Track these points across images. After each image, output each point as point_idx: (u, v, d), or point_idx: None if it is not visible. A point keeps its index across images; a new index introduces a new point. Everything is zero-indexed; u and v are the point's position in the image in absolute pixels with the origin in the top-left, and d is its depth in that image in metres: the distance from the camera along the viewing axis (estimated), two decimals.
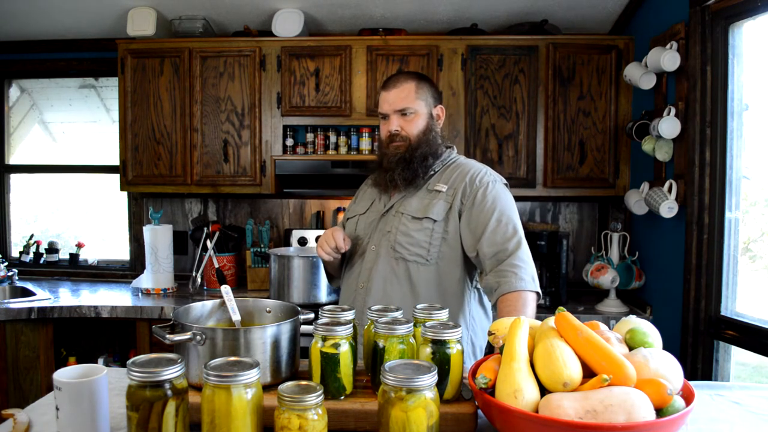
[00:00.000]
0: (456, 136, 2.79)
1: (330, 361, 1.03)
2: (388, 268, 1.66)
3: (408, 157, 1.68)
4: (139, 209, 3.30)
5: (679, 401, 0.90)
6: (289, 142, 2.93)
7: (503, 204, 1.63)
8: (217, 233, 2.98)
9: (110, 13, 2.96)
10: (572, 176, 2.80)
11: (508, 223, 1.60)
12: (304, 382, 0.90)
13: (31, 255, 3.37)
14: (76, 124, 3.52)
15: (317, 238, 3.03)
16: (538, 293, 1.54)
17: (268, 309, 1.31)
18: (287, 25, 2.86)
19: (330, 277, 1.95)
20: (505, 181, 1.74)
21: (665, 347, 1.01)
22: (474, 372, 1.01)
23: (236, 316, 1.26)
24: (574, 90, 2.78)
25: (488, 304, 1.76)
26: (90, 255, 3.42)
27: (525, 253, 1.57)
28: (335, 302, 2.55)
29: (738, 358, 2.19)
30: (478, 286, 1.72)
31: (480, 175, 1.68)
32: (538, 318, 1.26)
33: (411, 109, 1.68)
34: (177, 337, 1.06)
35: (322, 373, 1.04)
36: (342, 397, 1.05)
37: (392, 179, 1.69)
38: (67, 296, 2.82)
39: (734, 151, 2.13)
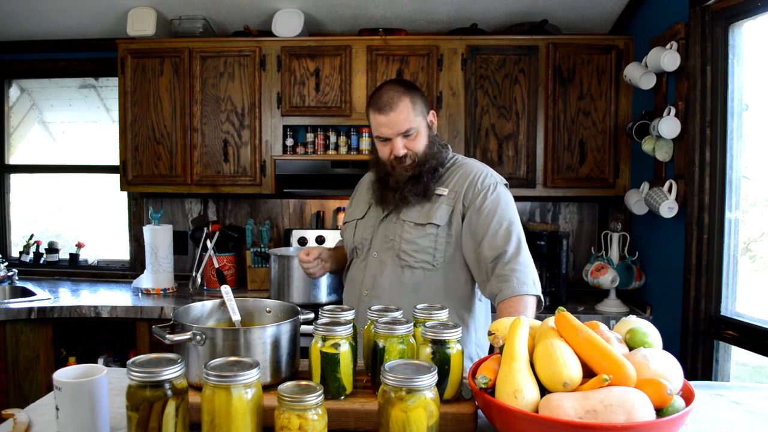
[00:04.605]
0: (456, 136, 2.79)
1: (330, 361, 1.03)
2: (394, 276, 1.65)
3: (417, 174, 1.65)
4: (139, 209, 3.29)
5: (679, 401, 0.90)
6: (289, 142, 2.93)
7: (504, 207, 1.63)
8: (217, 233, 2.98)
9: (110, 13, 2.96)
10: (572, 176, 2.80)
11: (509, 227, 1.59)
12: (304, 382, 0.90)
13: (31, 255, 3.37)
14: (76, 124, 3.52)
15: (317, 239, 3.03)
16: (539, 297, 1.52)
17: (268, 309, 1.31)
18: (287, 25, 2.86)
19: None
20: (506, 182, 1.73)
21: (665, 347, 1.01)
22: (474, 372, 1.01)
23: (236, 316, 1.26)
24: (574, 90, 2.77)
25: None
26: (90, 255, 3.42)
27: (525, 257, 1.56)
28: (335, 302, 2.56)
29: (738, 358, 2.19)
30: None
31: (482, 177, 1.66)
32: (538, 318, 1.26)
33: (413, 129, 1.64)
34: (177, 337, 1.06)
35: (322, 373, 1.04)
36: (342, 397, 1.05)
37: (403, 197, 1.65)
38: (67, 296, 2.82)
39: (734, 151, 2.13)
